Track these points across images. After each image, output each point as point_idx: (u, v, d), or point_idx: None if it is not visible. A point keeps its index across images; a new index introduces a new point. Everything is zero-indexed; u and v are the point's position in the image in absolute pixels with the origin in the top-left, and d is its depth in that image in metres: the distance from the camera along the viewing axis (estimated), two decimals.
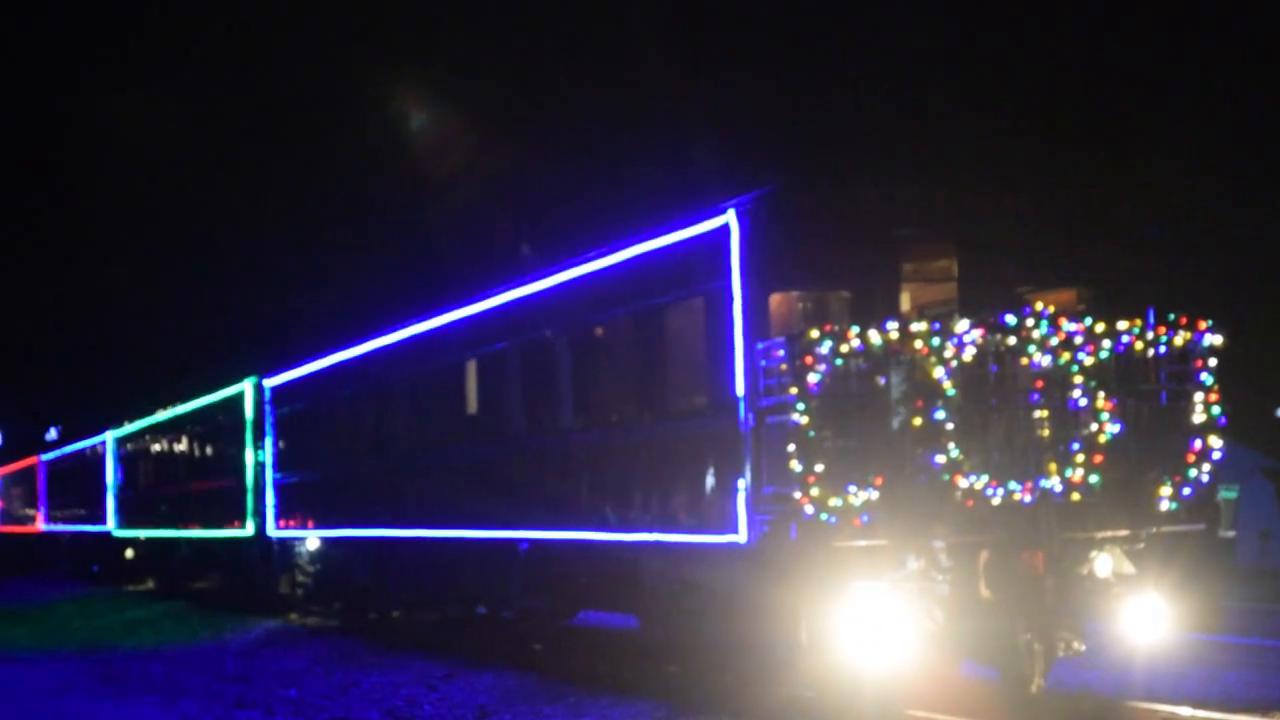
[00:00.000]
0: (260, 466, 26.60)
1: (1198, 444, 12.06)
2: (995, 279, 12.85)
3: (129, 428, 38.44)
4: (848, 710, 12.39)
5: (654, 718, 13.37)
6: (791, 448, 11.18)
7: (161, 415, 34.94)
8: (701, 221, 12.88)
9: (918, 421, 11.24)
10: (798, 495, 11.17)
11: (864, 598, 11.51)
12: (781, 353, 11.52)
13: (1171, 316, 12.06)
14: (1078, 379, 11.64)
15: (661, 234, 13.57)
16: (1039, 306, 11.69)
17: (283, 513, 25.77)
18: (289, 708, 15.49)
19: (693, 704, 13.56)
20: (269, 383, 26.40)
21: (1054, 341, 11.60)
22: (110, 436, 40.40)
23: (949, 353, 11.34)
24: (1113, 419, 11.73)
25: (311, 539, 25.01)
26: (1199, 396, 12.06)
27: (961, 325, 11.46)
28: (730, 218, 12.38)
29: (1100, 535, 12.10)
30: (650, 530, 13.69)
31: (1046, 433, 11.70)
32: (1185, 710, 12.53)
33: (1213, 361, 12.11)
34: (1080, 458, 11.63)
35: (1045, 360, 11.59)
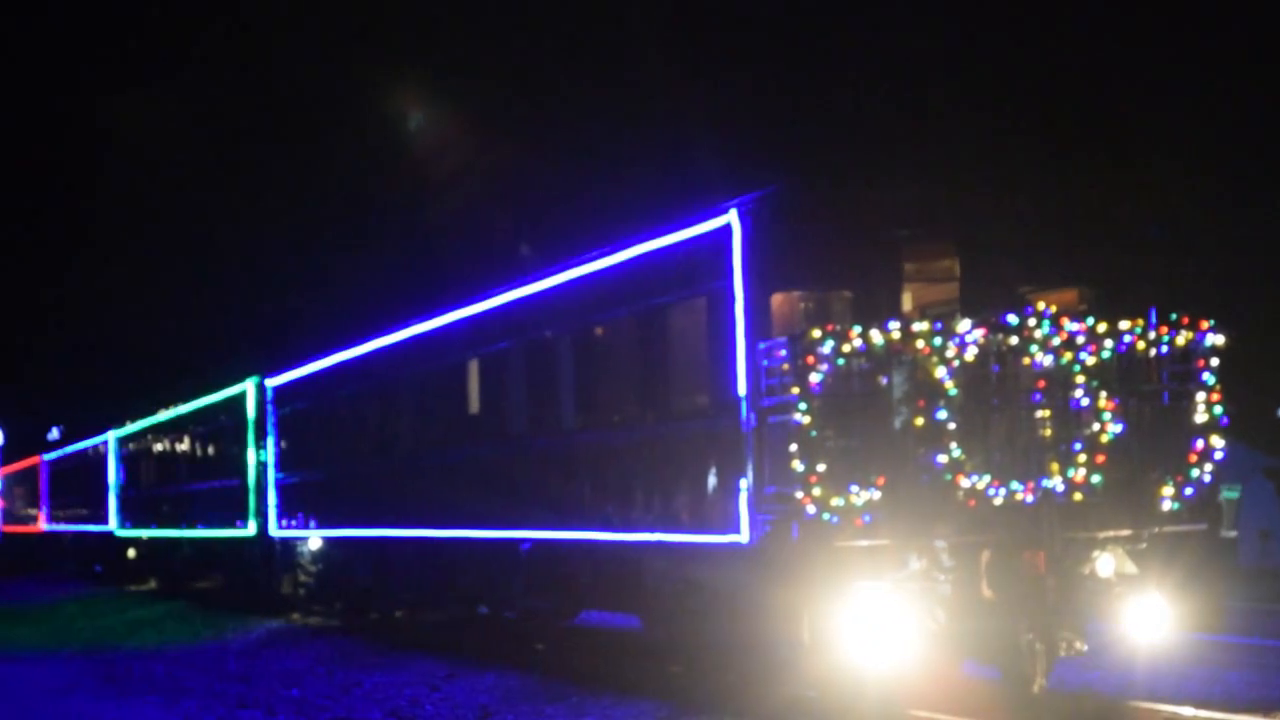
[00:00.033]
0: (262, 466, 26.61)
1: (1199, 444, 12.05)
2: (997, 279, 12.85)
3: (131, 427, 38.44)
4: (850, 710, 12.39)
5: (656, 718, 13.37)
6: (793, 447, 11.19)
7: (163, 415, 34.95)
8: (703, 221, 12.88)
9: (920, 421, 11.25)
10: (800, 495, 11.17)
11: (866, 597, 11.51)
12: (783, 353, 11.52)
13: (1173, 316, 12.05)
14: (1079, 379, 11.64)
15: (663, 234, 13.57)
16: (1041, 306, 11.70)
17: (285, 512, 25.78)
18: (291, 708, 15.51)
19: (695, 704, 13.55)
20: (271, 382, 26.41)
21: (1056, 341, 11.61)
22: (112, 436, 40.41)
23: (951, 352, 11.35)
24: (1115, 419, 11.73)
25: (314, 539, 25.02)
26: (1201, 396, 12.06)
27: (963, 325, 11.47)
28: (732, 218, 12.39)
29: (1102, 535, 12.11)
30: (652, 530, 13.70)
31: (1048, 432, 11.70)
32: (1187, 710, 12.53)
33: (1214, 361, 12.10)
34: (1082, 458, 11.64)
35: (1047, 360, 11.60)
